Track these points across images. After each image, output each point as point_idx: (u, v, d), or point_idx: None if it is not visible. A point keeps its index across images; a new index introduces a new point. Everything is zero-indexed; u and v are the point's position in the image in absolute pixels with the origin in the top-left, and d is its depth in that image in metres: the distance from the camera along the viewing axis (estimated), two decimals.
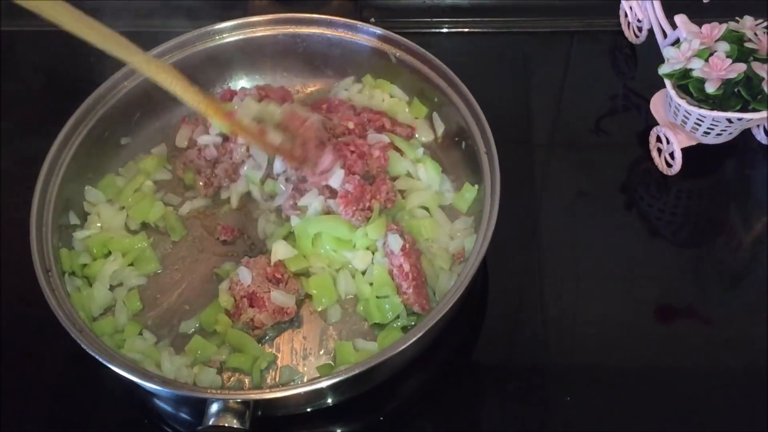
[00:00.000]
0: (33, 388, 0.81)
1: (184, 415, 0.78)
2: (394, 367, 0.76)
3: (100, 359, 0.70)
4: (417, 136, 0.92)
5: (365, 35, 0.93)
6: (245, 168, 0.88)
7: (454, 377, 0.80)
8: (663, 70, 0.85)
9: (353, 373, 0.68)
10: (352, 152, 0.85)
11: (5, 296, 0.85)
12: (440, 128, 0.92)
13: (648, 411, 0.77)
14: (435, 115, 0.92)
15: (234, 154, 0.89)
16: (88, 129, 0.88)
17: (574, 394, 0.78)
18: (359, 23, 0.93)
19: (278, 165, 0.86)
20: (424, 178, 0.88)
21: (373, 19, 1.06)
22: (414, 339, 0.70)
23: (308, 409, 0.76)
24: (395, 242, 0.79)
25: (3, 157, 0.98)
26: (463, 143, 0.89)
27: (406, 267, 0.78)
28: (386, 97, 0.95)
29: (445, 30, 1.09)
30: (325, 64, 0.97)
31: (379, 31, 0.92)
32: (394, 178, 0.88)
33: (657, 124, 0.93)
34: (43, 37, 1.06)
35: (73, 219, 0.85)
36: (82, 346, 0.70)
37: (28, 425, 0.79)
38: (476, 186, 0.85)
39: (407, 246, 0.80)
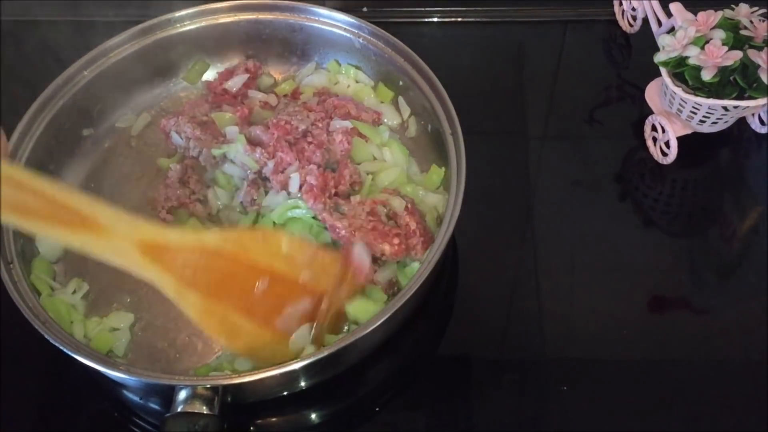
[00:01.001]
0: None
1: (153, 405, 0.77)
2: (366, 349, 0.75)
3: (67, 351, 0.69)
4: (384, 121, 0.92)
5: (329, 20, 0.92)
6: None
7: (448, 368, 0.80)
8: (658, 57, 0.86)
9: (324, 354, 0.67)
10: (309, 143, 0.85)
11: None
12: (406, 112, 0.92)
13: (643, 403, 0.76)
14: (401, 99, 0.92)
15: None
16: (48, 121, 0.86)
17: (569, 386, 0.78)
18: (322, 9, 0.92)
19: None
20: (391, 161, 0.87)
21: (365, 9, 1.06)
22: (385, 317, 0.69)
23: (282, 394, 0.75)
24: (399, 204, 0.79)
25: None
26: (429, 126, 0.88)
27: (413, 225, 0.78)
28: (351, 82, 0.95)
29: (437, 19, 1.09)
30: (290, 51, 0.96)
31: (342, 16, 0.91)
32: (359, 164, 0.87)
33: (651, 113, 0.93)
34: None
35: None
36: (47, 337, 0.69)
37: None
38: (443, 168, 0.85)
39: (409, 206, 0.80)
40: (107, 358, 0.71)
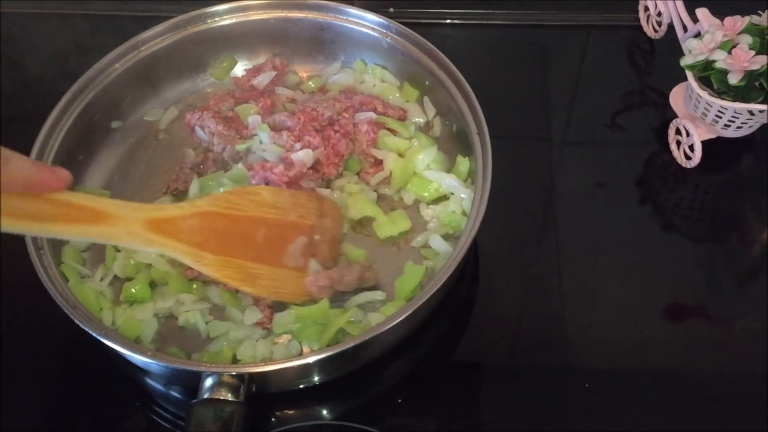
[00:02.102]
0: (22, 372, 0.80)
1: (175, 393, 0.78)
2: (384, 346, 0.76)
3: (96, 335, 0.70)
4: (409, 118, 0.93)
5: (357, 20, 0.93)
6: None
7: (465, 371, 0.81)
8: (685, 61, 0.87)
9: (348, 346, 0.68)
10: (336, 131, 0.86)
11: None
12: (431, 112, 0.93)
13: (663, 413, 0.76)
14: (426, 99, 0.93)
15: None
16: (78, 112, 0.87)
17: (590, 392, 0.78)
18: (352, 8, 0.93)
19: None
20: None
21: (392, 9, 1.07)
22: (406, 315, 0.70)
23: (299, 387, 0.76)
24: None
25: None
26: (454, 126, 0.89)
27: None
28: (377, 82, 0.96)
29: (462, 21, 1.10)
30: (317, 50, 0.98)
31: (371, 15, 0.92)
32: None
33: (674, 118, 0.94)
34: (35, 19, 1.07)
35: None
36: (77, 322, 0.70)
37: (13, 408, 0.78)
38: (467, 158, 0.86)
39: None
40: (136, 344, 0.72)
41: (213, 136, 0.89)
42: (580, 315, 0.83)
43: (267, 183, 0.81)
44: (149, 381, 0.79)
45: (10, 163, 0.57)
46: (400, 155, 0.88)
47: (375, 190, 0.87)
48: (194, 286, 0.81)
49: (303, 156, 0.83)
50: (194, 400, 0.66)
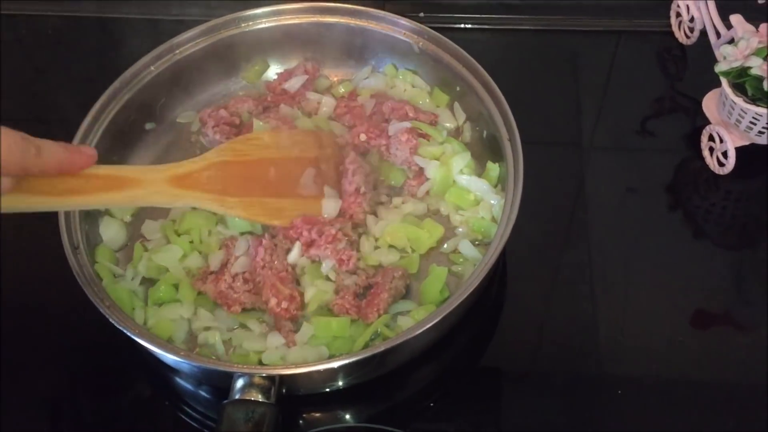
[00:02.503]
0: (53, 371, 0.82)
1: (204, 393, 0.79)
2: (412, 352, 0.76)
3: (131, 335, 0.71)
4: (439, 123, 0.93)
5: (390, 25, 0.94)
6: None
7: (490, 378, 0.81)
8: (720, 67, 0.86)
9: (384, 348, 0.69)
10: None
11: (34, 277, 0.87)
12: (461, 117, 0.93)
13: (695, 421, 0.76)
14: (456, 104, 0.93)
15: None
16: (114, 114, 0.88)
17: (621, 396, 0.78)
18: (384, 13, 0.94)
19: None
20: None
21: (422, 14, 1.07)
22: (436, 321, 0.70)
23: (324, 390, 0.76)
24: None
25: None
26: (485, 132, 0.89)
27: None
28: (408, 87, 0.96)
29: (491, 26, 1.10)
30: (348, 54, 0.98)
31: (404, 20, 0.93)
32: None
33: (707, 125, 0.93)
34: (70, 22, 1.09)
35: None
36: (112, 321, 0.71)
37: (43, 405, 0.80)
38: (497, 164, 0.86)
39: None
40: (169, 344, 0.73)
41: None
42: (612, 321, 0.83)
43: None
44: (179, 380, 0.80)
45: (43, 151, 0.60)
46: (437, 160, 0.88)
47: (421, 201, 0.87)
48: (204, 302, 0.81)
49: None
50: (226, 401, 0.67)
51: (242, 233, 0.84)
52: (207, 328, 0.79)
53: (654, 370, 0.79)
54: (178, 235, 0.85)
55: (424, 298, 0.80)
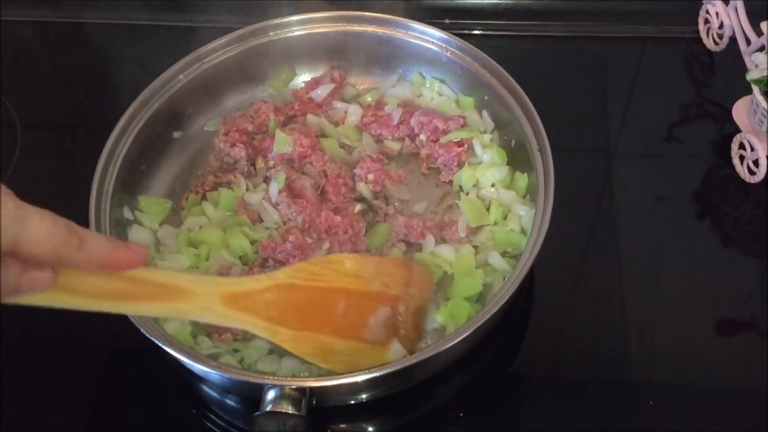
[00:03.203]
0: (80, 377, 0.82)
1: (230, 402, 0.79)
2: (443, 364, 0.76)
3: (164, 346, 0.71)
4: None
5: (418, 34, 0.94)
6: None
7: (521, 387, 0.81)
8: (751, 75, 0.86)
9: (415, 361, 0.69)
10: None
11: None
12: (489, 126, 0.92)
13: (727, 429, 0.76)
14: (484, 113, 0.93)
15: None
16: (143, 124, 0.88)
17: (653, 406, 0.77)
18: (413, 22, 0.93)
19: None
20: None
21: (447, 20, 1.07)
22: (469, 332, 0.70)
23: (350, 402, 0.76)
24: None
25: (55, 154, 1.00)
26: (513, 141, 0.89)
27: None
28: (435, 95, 0.96)
29: (517, 33, 1.09)
30: (374, 62, 0.98)
31: (432, 30, 0.93)
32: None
33: (736, 132, 0.93)
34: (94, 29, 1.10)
35: (127, 213, 0.86)
36: (143, 331, 0.71)
37: (69, 413, 0.80)
38: (525, 174, 0.85)
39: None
40: (202, 356, 0.73)
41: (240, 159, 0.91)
42: (641, 329, 0.82)
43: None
44: (205, 389, 0.80)
45: (86, 244, 0.54)
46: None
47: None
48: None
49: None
50: (257, 413, 0.67)
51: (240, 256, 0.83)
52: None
53: (685, 378, 0.79)
54: (192, 245, 0.85)
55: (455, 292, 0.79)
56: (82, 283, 0.57)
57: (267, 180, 0.89)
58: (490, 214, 0.85)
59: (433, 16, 1.05)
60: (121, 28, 1.12)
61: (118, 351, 0.84)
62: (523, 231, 0.83)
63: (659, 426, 0.76)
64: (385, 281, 0.75)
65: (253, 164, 0.92)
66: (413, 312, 0.75)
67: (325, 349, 0.71)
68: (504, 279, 0.79)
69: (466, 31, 1.07)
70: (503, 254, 0.83)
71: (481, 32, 1.09)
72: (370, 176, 0.88)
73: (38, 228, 0.51)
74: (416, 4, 1.06)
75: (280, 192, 0.86)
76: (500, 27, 1.10)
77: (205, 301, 0.66)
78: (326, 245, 0.82)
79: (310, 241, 0.83)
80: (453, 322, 0.77)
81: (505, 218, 0.85)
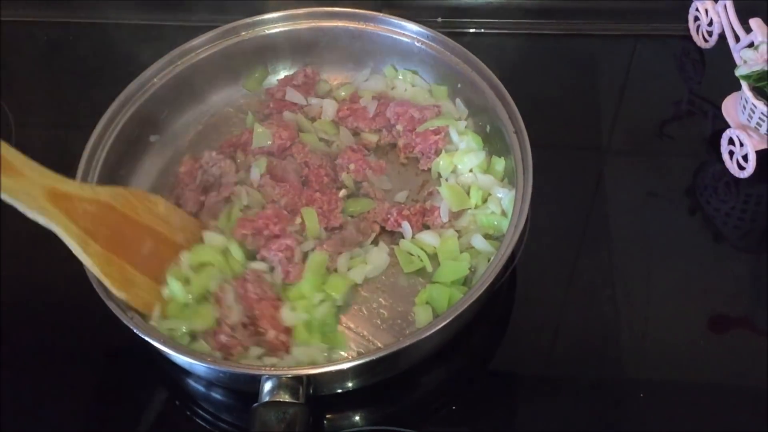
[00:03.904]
0: (72, 375, 0.82)
1: (215, 395, 0.79)
2: (424, 353, 0.76)
3: (156, 344, 0.71)
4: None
5: (389, 26, 0.95)
6: None
7: (501, 383, 0.81)
8: (740, 71, 0.87)
9: (408, 343, 0.70)
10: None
11: (49, 284, 0.87)
12: (464, 113, 0.94)
13: (718, 424, 0.76)
14: (458, 100, 0.94)
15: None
16: (120, 128, 0.88)
17: (643, 400, 0.77)
18: (381, 15, 0.95)
19: None
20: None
21: (439, 19, 1.08)
22: (448, 320, 0.71)
23: (337, 392, 0.76)
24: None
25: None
26: (488, 126, 0.90)
27: None
28: (408, 86, 0.97)
29: (510, 31, 1.10)
30: (346, 57, 0.99)
31: (402, 21, 0.94)
32: None
33: (726, 128, 0.94)
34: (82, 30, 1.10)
35: None
36: (135, 330, 0.71)
37: (46, 408, 0.80)
38: (502, 157, 0.87)
39: None
40: (194, 351, 0.73)
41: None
42: (633, 324, 0.83)
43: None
44: (190, 381, 0.80)
45: None
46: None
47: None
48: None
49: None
50: (256, 404, 0.67)
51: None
52: None
53: (676, 374, 0.79)
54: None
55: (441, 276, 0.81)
56: None
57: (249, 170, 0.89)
58: (470, 198, 0.86)
59: (425, 15, 1.06)
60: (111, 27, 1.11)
61: (114, 351, 0.83)
62: (504, 213, 0.84)
63: (650, 421, 0.77)
64: (186, 236, 0.82)
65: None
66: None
67: (128, 279, 0.75)
68: (489, 261, 0.80)
69: (459, 30, 1.08)
70: (486, 237, 0.84)
71: (474, 31, 1.10)
72: (351, 166, 0.89)
73: None
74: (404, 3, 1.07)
75: (262, 176, 0.87)
76: (493, 25, 1.10)
77: (29, 186, 0.68)
78: (299, 219, 0.84)
79: (286, 213, 0.84)
80: (435, 305, 0.79)
81: (485, 202, 0.87)
